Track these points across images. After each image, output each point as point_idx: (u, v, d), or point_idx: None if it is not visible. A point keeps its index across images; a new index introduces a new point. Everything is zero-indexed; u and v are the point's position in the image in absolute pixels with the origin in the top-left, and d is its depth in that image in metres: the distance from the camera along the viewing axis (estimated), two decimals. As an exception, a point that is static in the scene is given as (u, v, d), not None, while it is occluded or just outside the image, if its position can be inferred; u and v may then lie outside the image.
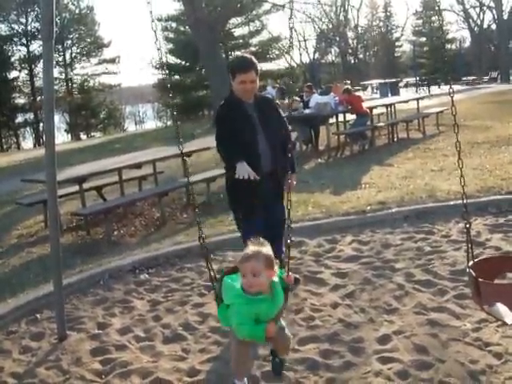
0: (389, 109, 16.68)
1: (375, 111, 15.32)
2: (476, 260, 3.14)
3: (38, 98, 46.42)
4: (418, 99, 18.09)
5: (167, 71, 47.20)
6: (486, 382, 3.38)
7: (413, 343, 3.93)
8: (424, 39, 63.99)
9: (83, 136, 49.21)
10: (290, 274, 3.31)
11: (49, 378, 4.03)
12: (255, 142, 4.66)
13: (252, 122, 4.72)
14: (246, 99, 4.77)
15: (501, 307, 2.93)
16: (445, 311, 4.38)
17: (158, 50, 3.64)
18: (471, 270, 2.96)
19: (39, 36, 40.73)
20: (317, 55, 63.37)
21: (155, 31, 3.56)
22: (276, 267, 3.12)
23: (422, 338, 3.98)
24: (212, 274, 3.35)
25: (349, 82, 21.85)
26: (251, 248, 3.06)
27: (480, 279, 2.90)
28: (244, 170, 4.41)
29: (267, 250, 3.09)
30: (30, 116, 49.75)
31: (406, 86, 50.20)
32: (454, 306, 4.44)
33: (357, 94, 14.96)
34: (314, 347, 4.05)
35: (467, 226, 3.15)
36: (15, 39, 47.96)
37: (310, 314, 4.59)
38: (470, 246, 3.13)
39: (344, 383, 3.55)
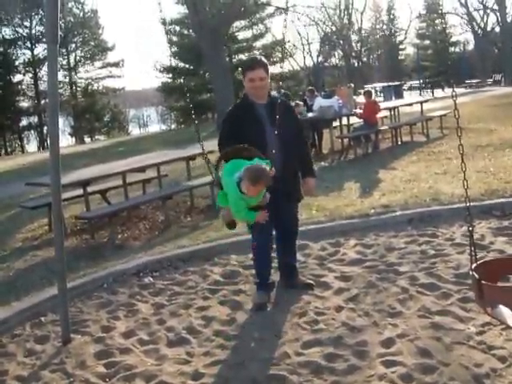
0: (392, 112, 16.70)
1: (379, 114, 15.32)
2: (479, 262, 3.13)
3: (42, 102, 46.60)
4: (421, 102, 18.08)
5: (171, 74, 47.43)
6: (491, 385, 3.38)
7: (417, 346, 3.92)
8: (428, 42, 64.04)
9: (87, 139, 49.36)
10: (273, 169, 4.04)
11: (53, 381, 4.04)
12: (263, 143, 4.64)
13: (262, 122, 4.73)
14: (259, 100, 4.78)
15: (504, 310, 2.92)
16: (449, 314, 4.37)
17: (170, 55, 3.67)
18: (474, 273, 2.96)
19: (43, 39, 40.93)
20: (320, 58, 63.42)
21: (167, 33, 3.56)
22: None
23: (425, 342, 3.97)
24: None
25: (352, 85, 21.82)
26: (256, 168, 3.82)
27: (483, 282, 2.90)
28: None
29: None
30: (34, 119, 49.99)
31: (410, 88, 50.16)
32: (457, 310, 4.43)
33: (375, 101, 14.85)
34: (318, 351, 4.05)
35: (470, 229, 3.15)
36: (19, 43, 48.20)
37: (314, 318, 4.59)
38: (473, 249, 3.12)
39: (348, 387, 3.55)
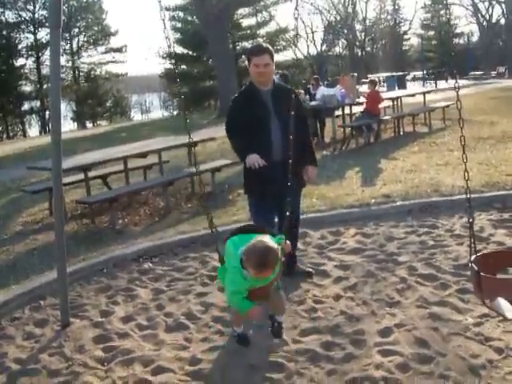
0: (395, 102, 16.65)
1: (381, 104, 15.27)
2: (478, 254, 3.14)
3: (45, 86, 46.48)
4: (424, 93, 18.04)
5: (174, 61, 47.26)
6: (487, 376, 3.39)
7: (414, 336, 3.94)
8: (432, 33, 63.73)
9: (89, 124, 49.29)
10: (287, 241, 3.40)
11: (52, 364, 4.06)
12: (268, 128, 4.70)
13: (266, 108, 4.76)
14: (263, 86, 4.81)
15: (502, 302, 2.93)
16: (446, 305, 4.39)
17: (167, 38, 3.64)
18: (473, 264, 2.97)
19: (46, 24, 40.75)
20: (324, 47, 63.16)
21: (164, 20, 3.53)
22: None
23: (423, 332, 3.99)
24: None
25: (355, 74, 21.70)
26: (262, 251, 2.98)
27: (482, 274, 2.91)
28: (253, 160, 4.52)
29: (273, 246, 3.03)
30: (37, 104, 49.86)
31: (413, 79, 49.98)
32: (455, 301, 4.45)
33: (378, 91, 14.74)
34: (316, 339, 4.07)
35: (470, 220, 3.15)
36: (22, 26, 48.00)
37: (312, 306, 4.61)
38: (472, 240, 3.13)
39: (345, 375, 3.56)
